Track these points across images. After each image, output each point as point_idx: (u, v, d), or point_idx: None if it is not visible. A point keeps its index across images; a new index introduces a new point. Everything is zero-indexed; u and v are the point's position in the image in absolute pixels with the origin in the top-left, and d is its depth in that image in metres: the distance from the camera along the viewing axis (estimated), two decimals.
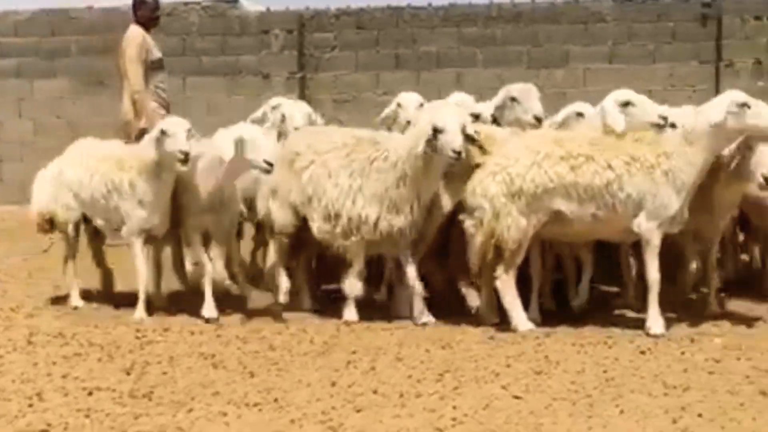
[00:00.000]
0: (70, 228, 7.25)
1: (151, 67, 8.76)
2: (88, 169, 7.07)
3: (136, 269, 6.91)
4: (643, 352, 5.82)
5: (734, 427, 4.51)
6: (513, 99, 7.16)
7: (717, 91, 12.44)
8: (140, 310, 6.77)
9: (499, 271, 6.42)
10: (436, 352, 5.90)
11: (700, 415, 4.65)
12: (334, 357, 5.80)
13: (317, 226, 6.72)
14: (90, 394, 5.05)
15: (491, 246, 6.40)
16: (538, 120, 7.04)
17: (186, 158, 6.45)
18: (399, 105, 7.84)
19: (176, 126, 6.55)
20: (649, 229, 6.27)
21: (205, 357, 5.77)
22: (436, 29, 13.51)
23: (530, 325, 6.39)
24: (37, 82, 13.91)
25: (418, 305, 6.61)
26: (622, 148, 6.32)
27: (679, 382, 5.20)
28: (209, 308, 6.70)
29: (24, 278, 8.43)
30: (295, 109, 7.43)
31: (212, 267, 6.79)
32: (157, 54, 8.86)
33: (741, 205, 6.87)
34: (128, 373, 5.44)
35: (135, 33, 8.79)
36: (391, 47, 13.51)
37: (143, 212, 6.76)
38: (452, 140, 6.16)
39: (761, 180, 6.18)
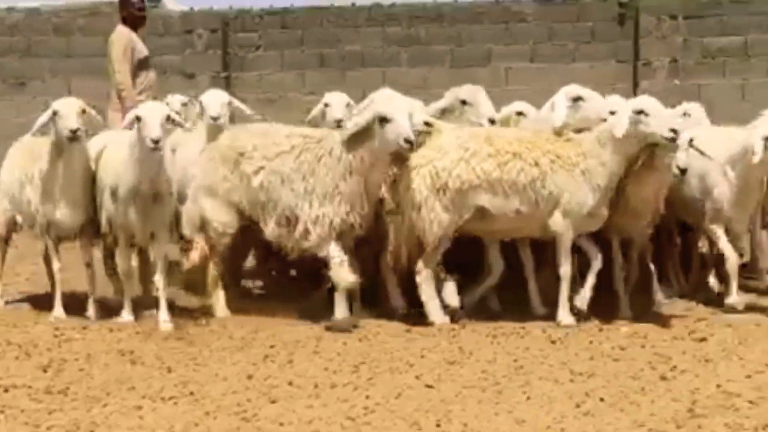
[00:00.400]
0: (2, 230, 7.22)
1: (138, 66, 8.79)
2: (11, 166, 7.05)
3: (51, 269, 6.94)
4: (553, 342, 6.02)
5: (633, 409, 4.70)
6: (464, 102, 7.17)
7: (635, 90, 12.85)
8: (57, 310, 6.76)
9: (420, 264, 6.48)
10: (353, 344, 6.03)
11: (602, 400, 4.85)
12: (253, 351, 5.89)
13: (271, 230, 6.66)
14: (6, 391, 5.08)
15: (413, 239, 6.48)
16: (492, 122, 7.05)
17: (74, 135, 6.34)
18: (326, 104, 7.88)
19: (67, 106, 6.48)
20: (563, 225, 6.40)
21: (123, 353, 5.83)
22: (360, 29, 13.62)
23: (446, 319, 6.46)
24: None
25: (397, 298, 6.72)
26: (549, 146, 6.44)
27: (585, 369, 5.40)
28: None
29: None
30: (212, 99, 7.32)
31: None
32: (143, 52, 8.89)
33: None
34: (45, 371, 5.47)
35: (120, 33, 8.86)
36: (316, 47, 13.59)
37: (49, 204, 6.69)
38: (401, 129, 6.14)
39: (676, 171, 6.37)
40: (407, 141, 6.13)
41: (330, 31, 13.61)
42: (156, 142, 6.10)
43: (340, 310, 6.46)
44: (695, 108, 8.19)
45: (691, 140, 6.59)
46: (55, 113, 6.50)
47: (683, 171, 6.46)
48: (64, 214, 6.65)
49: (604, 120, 6.53)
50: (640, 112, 6.26)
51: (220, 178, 6.80)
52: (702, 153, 6.69)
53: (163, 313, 6.43)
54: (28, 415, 4.69)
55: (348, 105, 7.76)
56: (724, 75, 13.02)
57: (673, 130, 6.17)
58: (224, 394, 5.02)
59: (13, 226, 7.26)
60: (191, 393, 5.04)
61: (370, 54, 13.57)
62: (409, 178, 6.47)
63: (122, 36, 8.81)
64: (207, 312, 6.84)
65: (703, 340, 6.05)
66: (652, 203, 6.69)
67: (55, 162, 6.58)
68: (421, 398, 4.92)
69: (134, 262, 7.05)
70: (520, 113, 7.54)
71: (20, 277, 8.18)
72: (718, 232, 6.86)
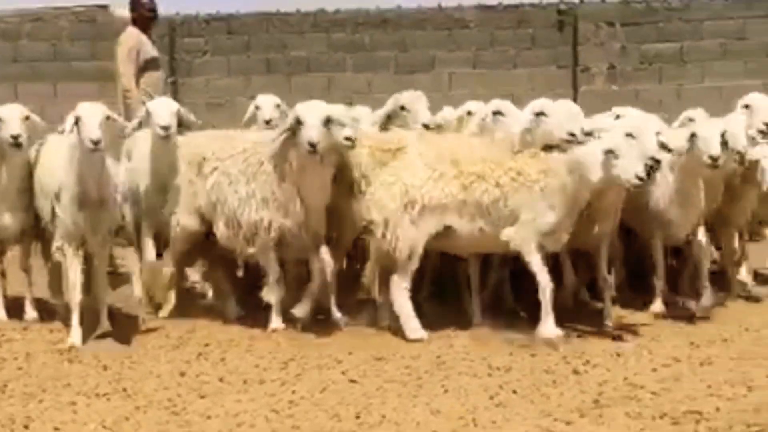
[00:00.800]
0: None
1: (144, 67, 8.82)
2: None
3: None
4: (476, 339, 6.30)
5: (543, 401, 5.02)
6: (402, 108, 7.31)
7: (575, 95, 13.23)
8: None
9: (394, 278, 6.49)
10: (285, 343, 6.28)
11: (515, 392, 5.16)
12: (187, 350, 6.13)
13: (221, 233, 6.78)
14: None
15: (385, 254, 6.50)
16: (426, 127, 7.18)
17: (16, 141, 6.45)
18: (257, 107, 8.10)
19: (10, 112, 6.60)
20: (522, 240, 6.32)
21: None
22: (305, 34, 13.87)
23: (421, 333, 6.35)
24: None
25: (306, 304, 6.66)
26: (511, 164, 6.40)
27: (503, 363, 5.70)
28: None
29: None
30: (161, 107, 7.10)
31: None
32: (151, 53, 8.95)
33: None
34: None
35: (128, 34, 9.00)
36: (262, 52, 13.81)
37: None
38: (309, 133, 6.17)
39: (635, 181, 6.04)
40: (311, 144, 6.16)
41: (276, 36, 13.84)
42: (95, 143, 5.99)
43: (276, 321, 6.56)
44: (629, 112, 8.02)
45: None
46: None
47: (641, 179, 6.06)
48: (4, 220, 6.77)
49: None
50: (539, 113, 6.40)
51: (186, 182, 6.88)
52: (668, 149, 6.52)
53: (104, 315, 6.54)
54: None
55: (278, 106, 7.90)
56: (661, 80, 13.44)
57: (572, 134, 6.24)
58: (156, 390, 5.26)
59: None
60: (124, 389, 5.29)
61: (315, 59, 13.82)
62: (379, 194, 6.53)
63: (130, 37, 8.92)
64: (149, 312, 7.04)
65: (618, 338, 6.35)
66: (608, 211, 6.57)
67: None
68: (345, 392, 5.20)
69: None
70: (469, 113, 7.67)
71: None
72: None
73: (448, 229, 6.48)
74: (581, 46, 13.44)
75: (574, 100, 12.82)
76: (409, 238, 6.42)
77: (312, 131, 6.18)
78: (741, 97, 7.94)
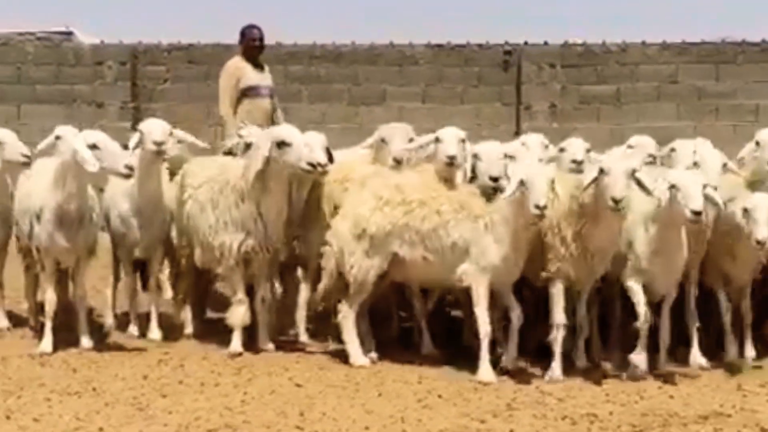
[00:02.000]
0: None
1: (242, 95, 9.03)
2: None
3: None
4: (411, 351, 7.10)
5: (464, 404, 5.82)
6: (382, 140, 7.37)
7: (517, 131, 14.14)
8: None
9: (343, 305, 6.81)
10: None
11: (440, 396, 5.95)
12: (148, 357, 6.85)
13: (197, 255, 7.23)
14: None
15: (336, 281, 6.84)
16: (398, 162, 7.10)
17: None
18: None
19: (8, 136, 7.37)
20: (472, 276, 6.45)
21: (33, 357, 6.74)
22: None
23: (364, 361, 6.69)
24: None
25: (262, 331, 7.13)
26: (455, 196, 6.60)
27: (433, 374, 6.49)
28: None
29: None
30: (154, 126, 7.28)
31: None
32: (250, 82, 9.08)
33: None
34: None
35: (229, 63, 9.29)
36: None
37: None
38: (300, 153, 6.62)
39: (611, 203, 6.09)
40: (310, 164, 6.62)
41: None
42: (159, 144, 7.00)
43: (235, 344, 6.96)
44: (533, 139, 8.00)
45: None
46: None
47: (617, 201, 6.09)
48: None
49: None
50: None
51: (177, 203, 7.41)
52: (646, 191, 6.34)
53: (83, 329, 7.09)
54: None
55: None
56: (599, 120, 14.41)
57: (493, 178, 6.58)
58: (122, 390, 5.99)
59: None
60: (93, 389, 6.00)
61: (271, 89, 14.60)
62: (335, 226, 6.85)
63: (228, 67, 9.22)
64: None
65: None
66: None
67: None
68: (291, 394, 5.96)
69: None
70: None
71: None
72: (635, 287, 6.51)
73: (396, 258, 6.69)
74: (524, 85, 14.39)
75: (517, 135, 13.85)
76: (360, 268, 6.69)
77: (304, 151, 6.66)
78: (672, 139, 7.70)
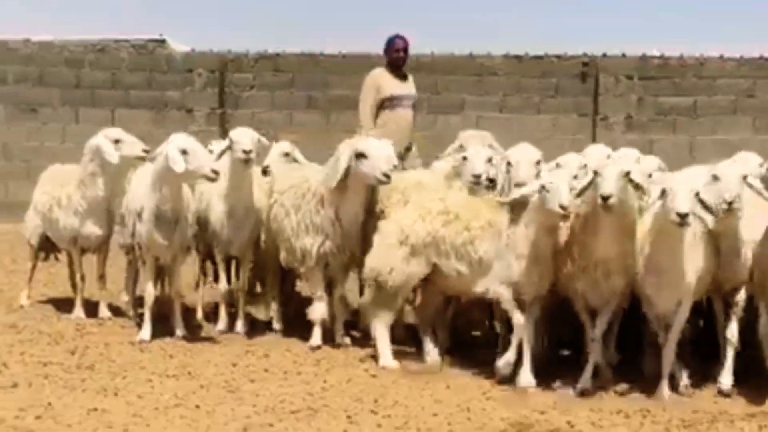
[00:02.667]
0: (34, 242, 8.90)
1: (382, 105, 9.25)
2: (42, 190, 8.71)
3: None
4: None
5: (526, 397, 6.40)
6: (461, 146, 7.86)
7: (594, 142, 14.65)
8: (78, 310, 8.42)
9: (380, 308, 7.20)
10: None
11: (503, 390, 6.55)
12: (236, 347, 7.56)
13: (282, 256, 7.81)
14: (45, 365, 6.78)
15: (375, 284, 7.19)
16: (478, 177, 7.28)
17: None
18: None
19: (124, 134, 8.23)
20: (495, 291, 6.71)
21: (133, 344, 7.51)
22: (345, 75, 15.40)
23: (392, 363, 7.08)
24: None
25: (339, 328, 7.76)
26: (485, 212, 6.83)
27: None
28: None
29: None
30: (243, 134, 7.86)
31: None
32: (389, 92, 9.26)
33: None
34: (73, 353, 7.15)
35: (371, 73, 9.50)
36: (305, 89, 15.44)
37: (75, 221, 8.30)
38: (377, 164, 7.15)
39: (600, 201, 6.10)
40: (385, 175, 7.14)
41: (318, 76, 15.45)
42: (247, 152, 7.66)
43: (315, 337, 7.60)
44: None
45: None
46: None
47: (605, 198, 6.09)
48: (89, 230, 8.29)
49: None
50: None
51: (265, 207, 8.03)
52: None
53: (178, 319, 7.83)
54: (66, 381, 6.40)
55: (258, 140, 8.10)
56: (675, 131, 14.86)
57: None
58: (215, 375, 6.71)
59: (44, 241, 8.88)
60: (189, 372, 6.74)
61: (354, 98, 15.27)
62: (379, 230, 7.22)
63: (369, 77, 9.43)
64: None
65: None
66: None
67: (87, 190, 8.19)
68: (366, 383, 6.62)
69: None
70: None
71: (39, 282, 9.78)
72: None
73: (436, 268, 7.00)
74: (601, 96, 14.92)
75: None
76: (399, 273, 7.04)
77: (382, 164, 7.20)
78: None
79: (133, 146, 8.26)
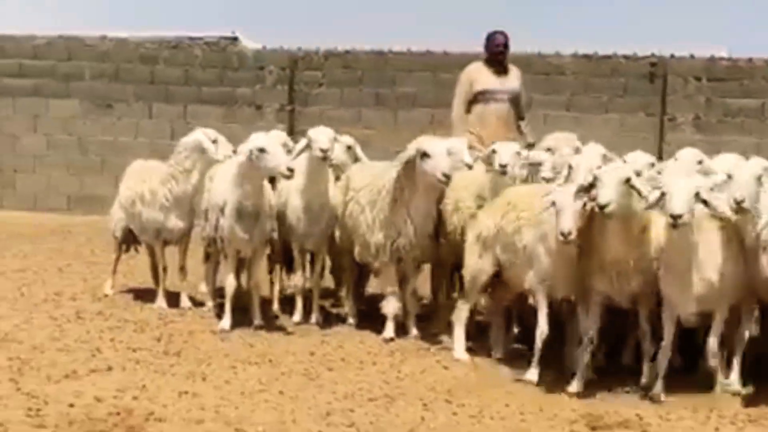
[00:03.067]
0: (118, 235, 9.38)
1: (474, 100, 9.47)
2: (126, 186, 9.18)
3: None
4: None
5: (596, 390, 6.70)
6: (549, 149, 8.00)
7: (661, 142, 14.87)
8: (160, 300, 8.85)
9: (459, 301, 7.72)
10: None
11: None
12: (313, 337, 7.96)
13: (357, 251, 8.17)
14: (134, 351, 7.22)
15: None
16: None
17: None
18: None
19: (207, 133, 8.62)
20: (532, 284, 6.91)
21: (215, 333, 7.93)
22: (414, 72, 15.79)
23: (465, 356, 7.39)
24: (52, 102, 16.15)
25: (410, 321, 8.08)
26: (533, 203, 6.92)
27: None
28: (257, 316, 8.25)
29: (55, 272, 10.55)
30: (320, 134, 8.15)
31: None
32: (484, 86, 9.43)
33: None
34: (159, 340, 7.59)
35: (467, 68, 9.77)
36: (373, 87, 15.80)
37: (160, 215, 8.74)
38: (438, 164, 7.39)
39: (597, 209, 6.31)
40: (445, 175, 7.37)
41: (387, 73, 15.80)
42: (324, 151, 7.94)
43: (389, 330, 7.92)
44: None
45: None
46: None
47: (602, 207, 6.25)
48: (173, 223, 8.72)
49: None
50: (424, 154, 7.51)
51: (340, 204, 8.42)
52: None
53: (257, 310, 8.26)
54: (156, 366, 6.83)
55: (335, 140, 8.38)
56: (743, 133, 14.96)
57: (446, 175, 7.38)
58: (294, 363, 7.09)
59: (127, 234, 9.36)
60: (270, 360, 7.14)
61: (422, 96, 15.71)
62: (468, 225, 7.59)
63: (464, 72, 9.71)
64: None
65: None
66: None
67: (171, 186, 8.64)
68: (439, 374, 6.97)
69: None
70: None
71: (119, 272, 10.26)
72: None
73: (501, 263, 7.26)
74: (669, 97, 15.05)
75: (660, 146, 14.62)
76: (475, 267, 7.40)
77: (443, 163, 7.41)
78: None
79: (227, 147, 8.65)
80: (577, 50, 15.55)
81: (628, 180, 6.33)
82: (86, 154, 16.06)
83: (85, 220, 14.19)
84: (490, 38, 9.71)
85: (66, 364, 6.76)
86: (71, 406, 5.80)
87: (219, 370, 6.86)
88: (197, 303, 8.98)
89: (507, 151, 7.64)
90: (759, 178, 6.37)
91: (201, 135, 8.62)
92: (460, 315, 7.52)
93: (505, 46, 9.71)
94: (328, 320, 8.61)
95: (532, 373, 6.89)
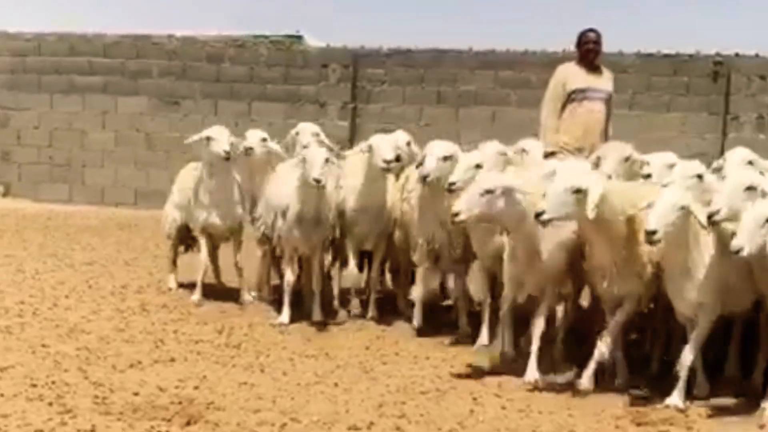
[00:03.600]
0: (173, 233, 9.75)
1: (568, 99, 9.16)
2: (178, 187, 9.54)
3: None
4: None
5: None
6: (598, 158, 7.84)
7: (723, 141, 14.89)
8: (197, 293, 9.07)
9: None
10: (447, 332, 8.29)
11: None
12: (368, 332, 8.22)
13: (412, 253, 8.35)
14: (196, 342, 7.55)
15: None
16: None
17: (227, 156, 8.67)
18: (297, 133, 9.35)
19: (219, 132, 8.82)
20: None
21: (273, 326, 8.24)
22: (475, 71, 16.01)
23: (513, 353, 7.34)
24: (120, 99, 16.67)
25: (463, 318, 8.26)
26: None
27: None
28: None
29: (122, 266, 10.97)
30: (383, 142, 8.31)
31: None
32: (577, 85, 9.15)
33: None
34: (220, 333, 7.92)
35: (559, 67, 9.51)
36: (435, 85, 16.07)
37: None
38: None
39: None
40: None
41: (448, 71, 16.05)
42: (318, 181, 7.88)
43: (417, 319, 8.26)
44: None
45: None
46: (208, 138, 8.81)
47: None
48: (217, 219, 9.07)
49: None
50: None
51: (397, 205, 8.57)
52: None
53: (316, 306, 8.50)
54: (217, 357, 7.14)
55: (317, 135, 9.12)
56: None
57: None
58: (349, 356, 7.36)
59: (182, 232, 9.70)
60: (326, 354, 7.41)
61: (483, 94, 15.92)
62: None
63: (556, 71, 9.44)
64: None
65: None
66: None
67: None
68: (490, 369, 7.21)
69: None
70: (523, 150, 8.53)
71: (181, 267, 10.54)
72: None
73: None
74: (733, 96, 15.09)
75: (722, 145, 14.64)
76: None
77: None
78: None
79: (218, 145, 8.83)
80: (640, 49, 15.64)
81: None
82: (153, 149, 16.55)
83: (151, 215, 14.52)
84: (582, 36, 9.39)
85: (131, 354, 7.10)
86: (136, 394, 6.12)
87: (277, 362, 7.15)
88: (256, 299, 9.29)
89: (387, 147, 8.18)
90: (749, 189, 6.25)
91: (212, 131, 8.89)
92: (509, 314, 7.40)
93: (597, 43, 9.35)
94: (384, 316, 8.85)
95: (531, 374, 6.91)
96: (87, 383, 6.29)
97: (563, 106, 9.13)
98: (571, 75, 9.23)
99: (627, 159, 7.76)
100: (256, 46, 16.40)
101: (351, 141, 14.71)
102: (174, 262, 9.88)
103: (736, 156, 7.62)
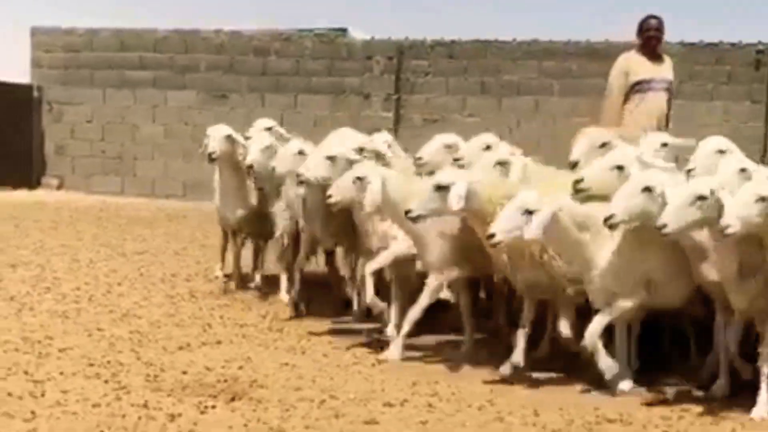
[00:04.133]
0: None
1: (631, 90, 8.99)
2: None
3: None
4: None
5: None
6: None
7: (766, 129, 15.09)
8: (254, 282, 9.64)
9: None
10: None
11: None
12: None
13: None
14: (241, 326, 8.01)
15: None
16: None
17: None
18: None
19: (214, 131, 9.48)
20: None
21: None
22: (518, 61, 16.33)
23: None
24: (169, 93, 17.26)
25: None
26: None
27: None
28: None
29: (171, 255, 11.51)
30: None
31: None
32: (641, 76, 8.99)
33: None
34: (264, 317, 8.38)
35: (621, 56, 9.28)
36: (478, 75, 16.43)
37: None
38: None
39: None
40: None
41: (491, 62, 16.40)
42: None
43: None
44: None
45: None
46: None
47: None
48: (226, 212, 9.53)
49: None
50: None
51: None
52: None
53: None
54: (261, 341, 7.60)
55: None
56: None
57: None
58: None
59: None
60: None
61: (525, 84, 16.24)
62: None
63: (618, 61, 9.22)
64: None
65: None
66: None
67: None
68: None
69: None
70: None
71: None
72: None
73: None
74: None
75: (766, 133, 14.84)
76: None
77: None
78: None
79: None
80: (683, 38, 15.86)
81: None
82: (201, 142, 17.00)
83: (199, 206, 15.07)
84: (643, 23, 9.17)
85: (180, 337, 7.58)
86: (184, 373, 6.58)
87: (318, 345, 7.59)
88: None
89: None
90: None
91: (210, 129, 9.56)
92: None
93: (658, 30, 9.18)
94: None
95: (506, 368, 6.99)
96: (140, 363, 6.76)
97: (626, 97, 8.99)
98: (633, 65, 9.08)
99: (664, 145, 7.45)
100: (302, 39, 16.86)
101: (395, 132, 15.07)
102: (224, 252, 10.32)
103: (709, 146, 6.95)
